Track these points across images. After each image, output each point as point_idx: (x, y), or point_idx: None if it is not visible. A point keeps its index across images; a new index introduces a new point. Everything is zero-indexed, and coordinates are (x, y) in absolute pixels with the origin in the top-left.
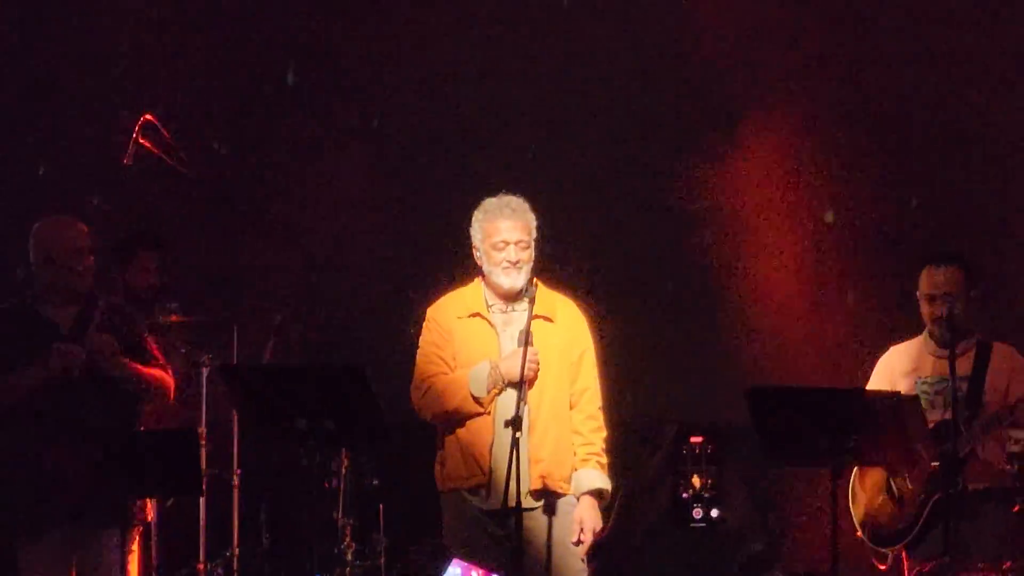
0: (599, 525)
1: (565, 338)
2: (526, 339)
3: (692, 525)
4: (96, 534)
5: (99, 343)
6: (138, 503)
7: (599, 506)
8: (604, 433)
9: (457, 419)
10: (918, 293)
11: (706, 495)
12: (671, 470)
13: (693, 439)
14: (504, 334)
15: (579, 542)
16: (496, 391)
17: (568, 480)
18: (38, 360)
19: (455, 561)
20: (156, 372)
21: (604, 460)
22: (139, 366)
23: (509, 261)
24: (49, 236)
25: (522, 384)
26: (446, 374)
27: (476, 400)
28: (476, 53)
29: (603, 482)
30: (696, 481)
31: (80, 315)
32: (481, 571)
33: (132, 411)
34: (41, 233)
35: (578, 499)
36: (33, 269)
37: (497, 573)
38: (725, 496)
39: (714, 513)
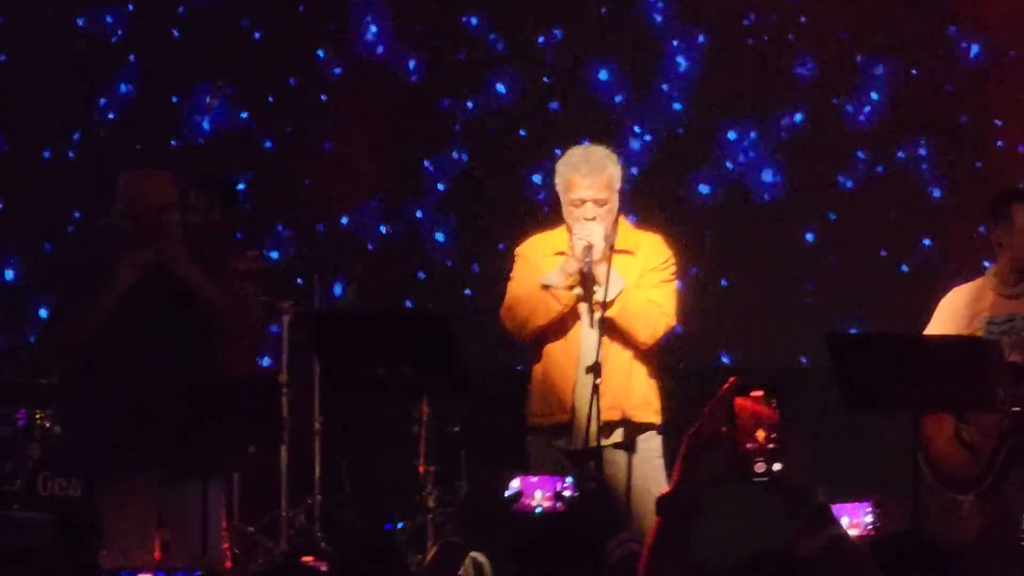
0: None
1: (643, 269)
2: (608, 265)
3: (754, 479)
4: (183, 484)
5: (168, 226)
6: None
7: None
8: (667, 320)
9: (540, 329)
10: (1004, 230)
11: (768, 449)
12: (731, 424)
13: (754, 393)
14: None
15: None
16: (571, 281)
17: (643, 407)
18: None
19: (517, 477)
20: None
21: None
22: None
23: (586, 218)
24: (135, 190)
25: (603, 327)
26: None
27: (545, 288)
28: None
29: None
30: (759, 435)
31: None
32: (542, 479)
33: (211, 350)
34: (127, 186)
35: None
36: (117, 221)
37: (560, 478)
38: (787, 450)
39: (776, 467)
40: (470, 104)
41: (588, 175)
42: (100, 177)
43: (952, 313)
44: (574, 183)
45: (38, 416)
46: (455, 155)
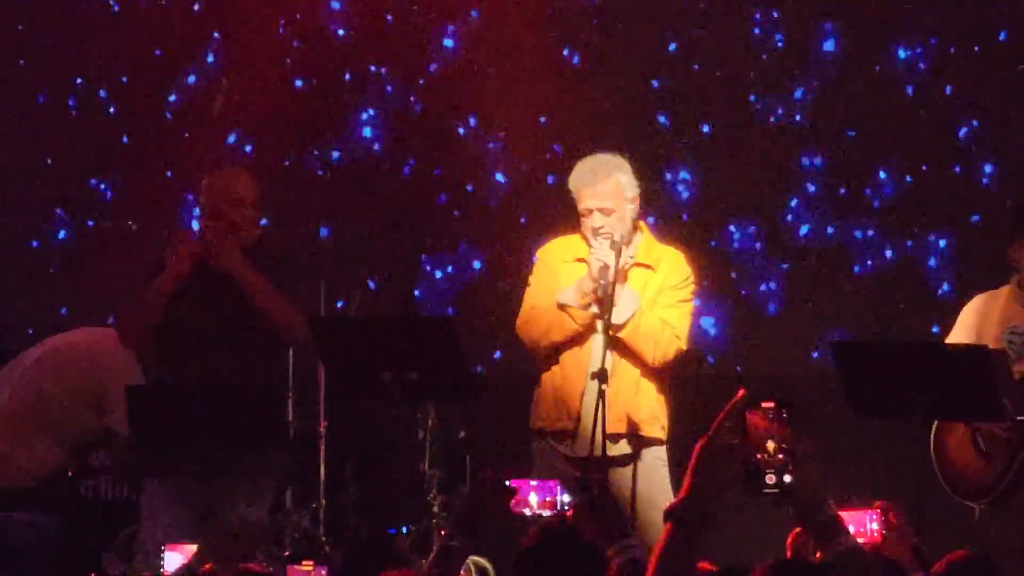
0: (610, 272)
1: (662, 287)
2: (616, 265)
3: (765, 491)
4: (216, 488)
5: (240, 221)
6: None
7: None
8: (678, 344)
9: (555, 345)
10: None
11: (778, 461)
12: (742, 436)
13: (764, 404)
14: None
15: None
16: (587, 300)
17: (650, 422)
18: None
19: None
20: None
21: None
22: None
23: (594, 227)
24: (216, 185)
25: (613, 342)
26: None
27: (561, 307)
28: None
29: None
30: (769, 446)
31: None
32: (540, 483)
33: (273, 356)
34: (210, 180)
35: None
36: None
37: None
38: (798, 462)
39: (787, 479)
40: (470, 187)
41: (591, 184)
42: None
43: (976, 321)
44: (581, 194)
45: None
46: (453, 244)
